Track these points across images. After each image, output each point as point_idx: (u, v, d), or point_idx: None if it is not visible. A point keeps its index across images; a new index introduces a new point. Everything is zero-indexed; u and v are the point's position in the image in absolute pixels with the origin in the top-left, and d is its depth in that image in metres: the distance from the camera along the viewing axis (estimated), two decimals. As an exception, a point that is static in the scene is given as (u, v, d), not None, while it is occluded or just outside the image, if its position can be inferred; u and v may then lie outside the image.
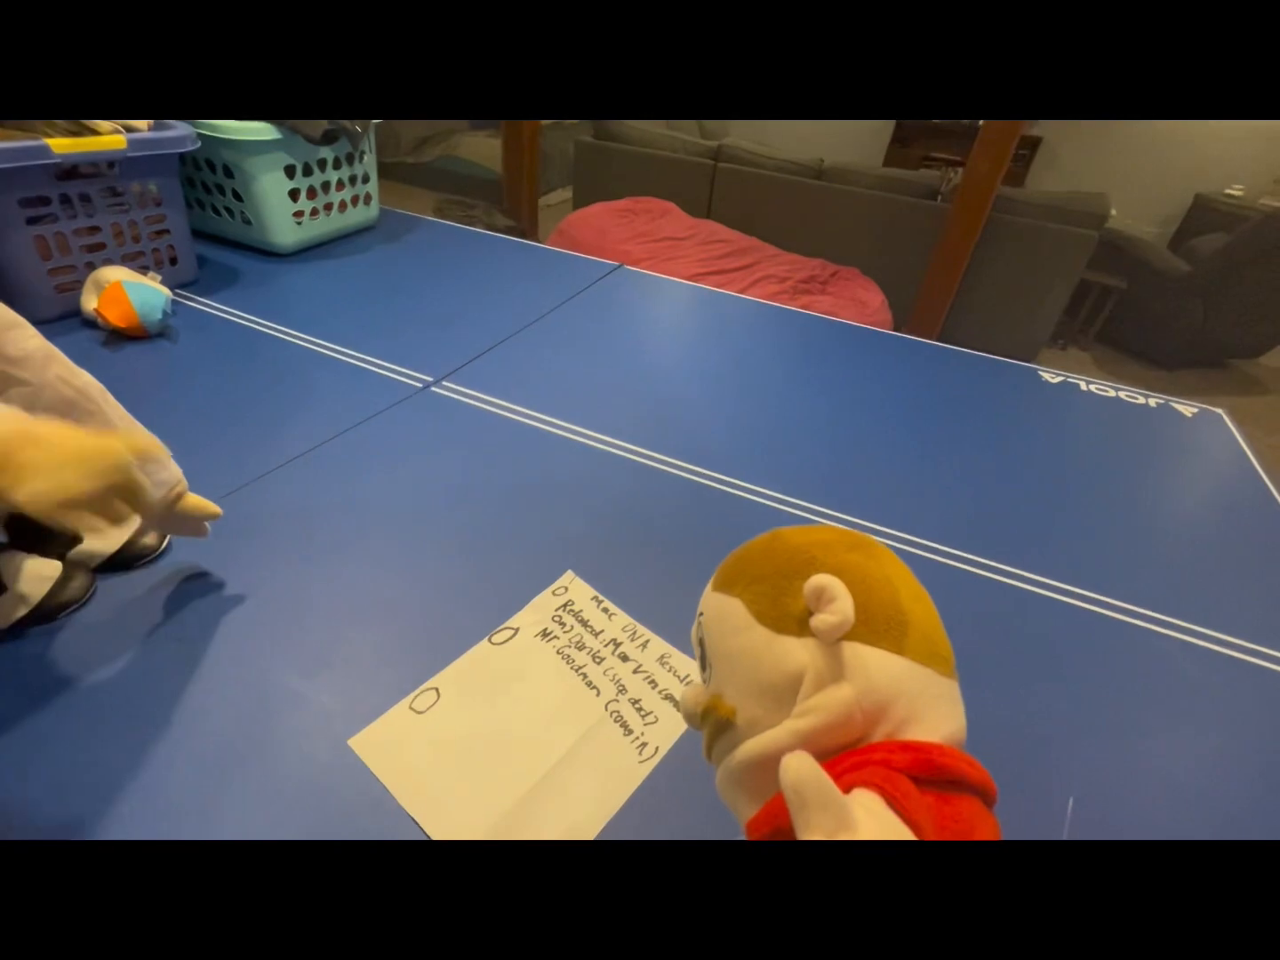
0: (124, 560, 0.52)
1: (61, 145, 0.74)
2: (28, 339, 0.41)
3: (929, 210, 2.37)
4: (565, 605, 0.53)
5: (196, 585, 0.52)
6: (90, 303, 0.81)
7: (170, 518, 0.49)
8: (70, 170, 0.78)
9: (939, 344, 1.08)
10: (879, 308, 2.16)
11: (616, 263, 1.26)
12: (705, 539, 0.62)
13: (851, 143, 5.20)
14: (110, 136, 0.79)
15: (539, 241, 3.10)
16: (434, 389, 0.80)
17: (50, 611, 0.47)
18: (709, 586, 0.38)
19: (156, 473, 0.46)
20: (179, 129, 0.88)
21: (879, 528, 0.65)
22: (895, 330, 1.93)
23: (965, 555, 0.64)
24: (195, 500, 0.49)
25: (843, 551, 0.32)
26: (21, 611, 0.46)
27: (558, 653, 0.49)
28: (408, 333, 0.92)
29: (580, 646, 0.49)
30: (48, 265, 0.80)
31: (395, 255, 1.18)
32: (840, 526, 0.37)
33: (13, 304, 0.83)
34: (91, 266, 0.84)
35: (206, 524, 0.52)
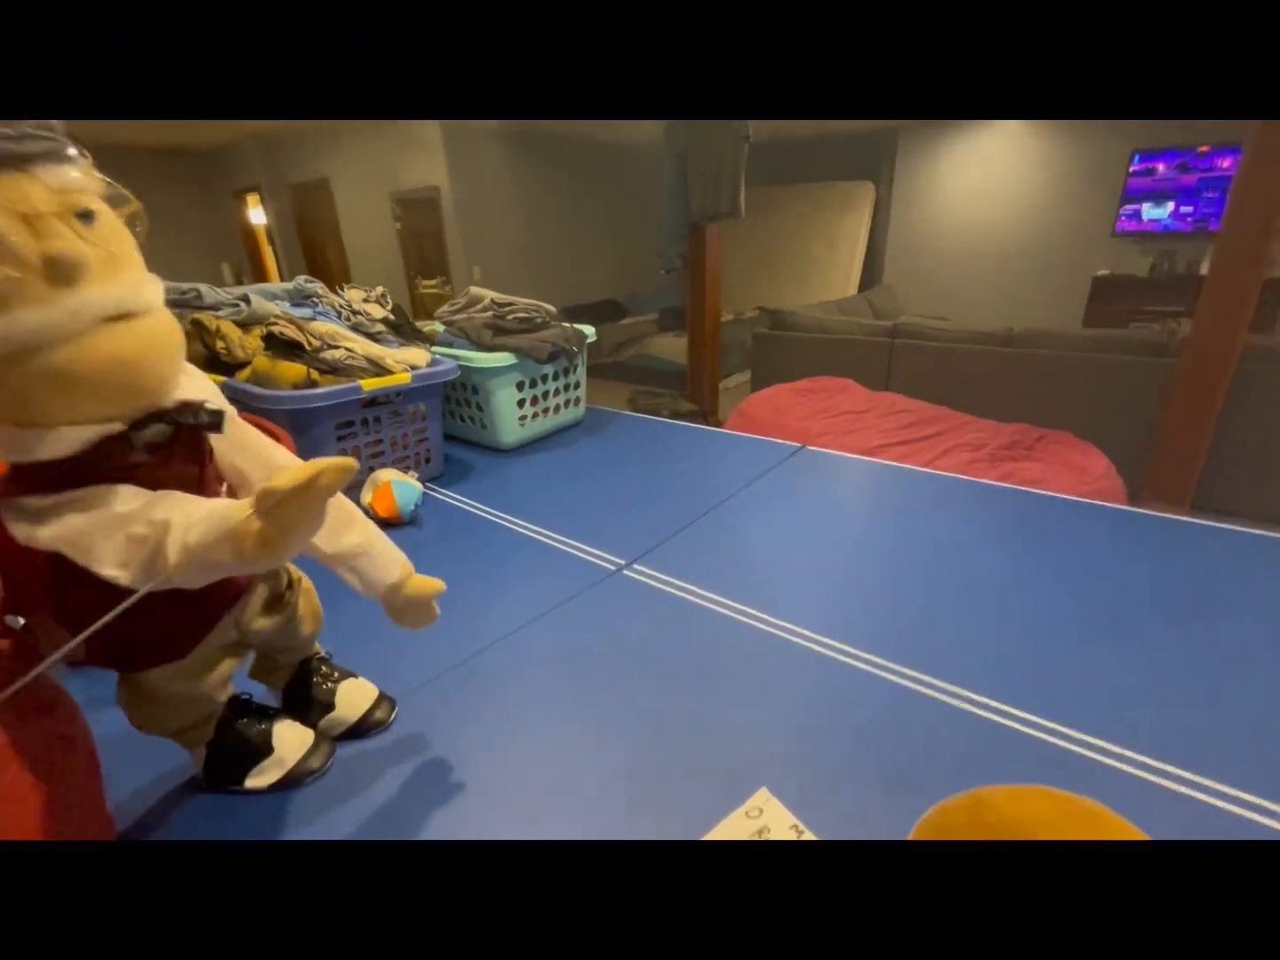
0: (360, 730, 0.58)
1: (369, 384, 0.99)
2: (288, 458, 0.48)
3: (1152, 367, 2.14)
4: (760, 832, 0.47)
5: (415, 762, 0.55)
6: (366, 497, 1.01)
7: (405, 604, 0.49)
8: (371, 401, 1.03)
9: (1210, 523, 0.90)
10: (1103, 474, 1.91)
11: (796, 442, 1.28)
12: (922, 756, 0.54)
13: (1040, 308, 5.05)
14: (401, 374, 1.04)
15: (719, 422, 3.32)
16: (625, 572, 0.84)
17: (299, 777, 0.53)
18: None
19: (385, 552, 0.48)
20: (446, 364, 1.13)
21: (1148, 759, 0.51)
22: (1131, 502, 1.67)
23: (1260, 804, 0.47)
24: (421, 580, 0.50)
25: (1070, 829, 0.28)
26: (279, 774, 0.52)
27: (752, 892, 0.43)
28: (603, 517, 1.00)
29: (779, 889, 0.43)
30: (344, 470, 1.03)
31: (595, 445, 1.34)
32: (1060, 792, 0.31)
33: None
34: (373, 469, 1.06)
35: (435, 604, 0.52)
